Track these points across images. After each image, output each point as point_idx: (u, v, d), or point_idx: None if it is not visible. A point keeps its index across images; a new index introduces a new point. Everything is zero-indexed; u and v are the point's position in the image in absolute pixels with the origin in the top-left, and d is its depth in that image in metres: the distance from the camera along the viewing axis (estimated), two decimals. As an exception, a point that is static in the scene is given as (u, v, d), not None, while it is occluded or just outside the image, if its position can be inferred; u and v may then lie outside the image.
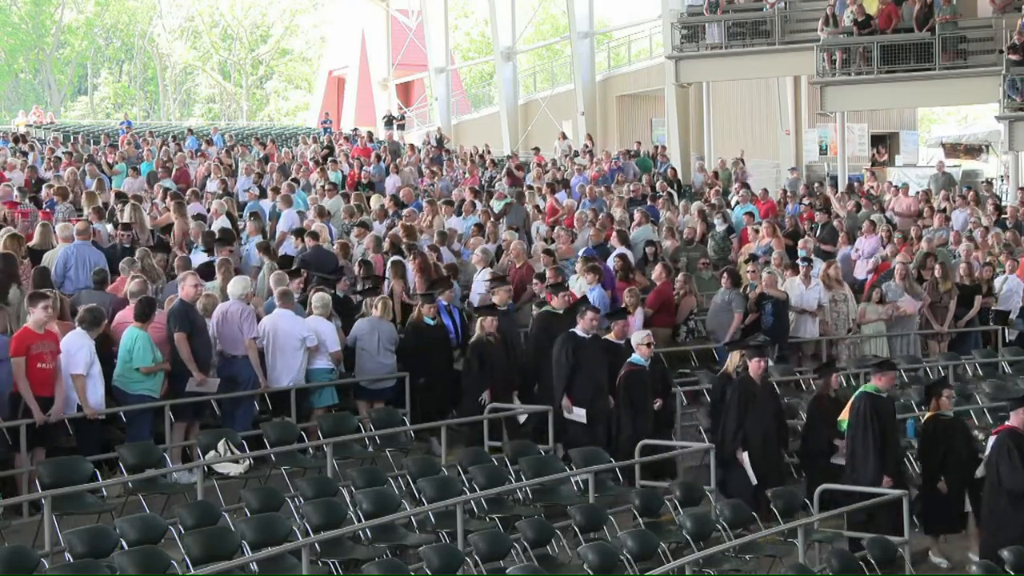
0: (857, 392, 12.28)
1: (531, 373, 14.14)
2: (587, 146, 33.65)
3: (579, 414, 13.05)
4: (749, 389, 12.55)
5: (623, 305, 15.47)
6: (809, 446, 12.99)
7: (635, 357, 13.19)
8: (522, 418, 13.31)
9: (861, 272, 19.10)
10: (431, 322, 14.05)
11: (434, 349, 14.01)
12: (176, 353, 12.13)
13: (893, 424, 12.25)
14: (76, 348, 11.20)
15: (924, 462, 12.40)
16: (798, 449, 13.38)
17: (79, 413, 11.24)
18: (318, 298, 13.58)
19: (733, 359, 13.13)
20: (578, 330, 13.34)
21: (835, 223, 21.20)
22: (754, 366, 12.61)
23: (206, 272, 14.10)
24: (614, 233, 18.22)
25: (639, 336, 13.35)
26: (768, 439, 12.46)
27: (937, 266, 17.97)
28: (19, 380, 10.86)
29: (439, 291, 14.68)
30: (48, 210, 17.97)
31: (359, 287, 15.14)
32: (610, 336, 13.70)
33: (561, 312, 14.10)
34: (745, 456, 12.30)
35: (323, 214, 18.73)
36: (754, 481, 12.20)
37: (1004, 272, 18.52)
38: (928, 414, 12.45)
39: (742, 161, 30.21)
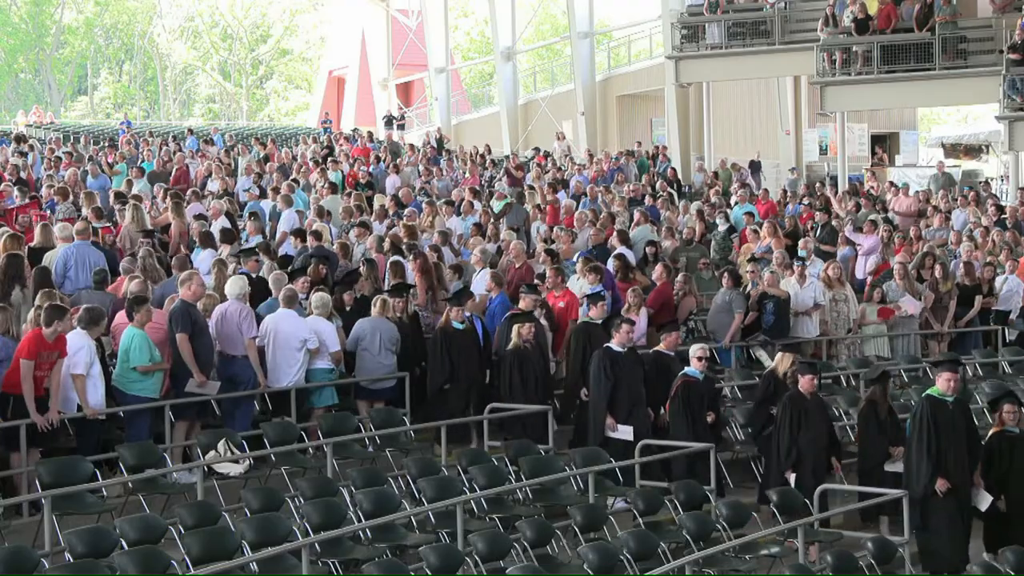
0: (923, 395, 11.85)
1: (574, 384, 13.87)
2: (588, 151, 33.79)
3: (624, 432, 12.67)
4: (800, 406, 12.01)
5: (626, 305, 15.50)
6: (866, 458, 12.50)
7: (690, 369, 12.81)
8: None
9: (860, 271, 19.10)
10: (460, 326, 13.81)
11: (463, 354, 13.76)
12: (177, 353, 12.13)
13: (953, 429, 11.32)
14: (76, 348, 11.19)
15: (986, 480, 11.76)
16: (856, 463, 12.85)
17: (79, 413, 11.24)
18: (318, 298, 13.57)
19: (783, 361, 12.85)
20: (614, 344, 13.03)
21: (834, 223, 21.20)
22: (805, 383, 12.08)
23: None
24: (614, 233, 18.23)
25: (694, 349, 12.96)
26: (820, 458, 12.02)
27: (937, 266, 17.96)
28: (24, 382, 10.84)
29: (465, 297, 14.47)
30: (48, 211, 17.98)
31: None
32: (661, 348, 13.43)
33: (599, 322, 13.88)
34: (792, 478, 11.89)
35: (323, 214, 18.73)
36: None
37: (1004, 272, 18.51)
38: (993, 430, 11.95)
39: (758, 164, 30.31)
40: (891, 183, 27.78)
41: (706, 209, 22.17)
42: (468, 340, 13.90)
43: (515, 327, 13.54)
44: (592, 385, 13.03)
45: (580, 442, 13.29)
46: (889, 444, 12.32)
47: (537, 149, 34.00)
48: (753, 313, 16.14)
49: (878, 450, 12.36)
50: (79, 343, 11.23)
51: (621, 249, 17.47)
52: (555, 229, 19.06)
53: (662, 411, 13.00)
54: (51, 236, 14.66)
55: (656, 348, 13.59)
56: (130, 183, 22.14)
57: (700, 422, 12.66)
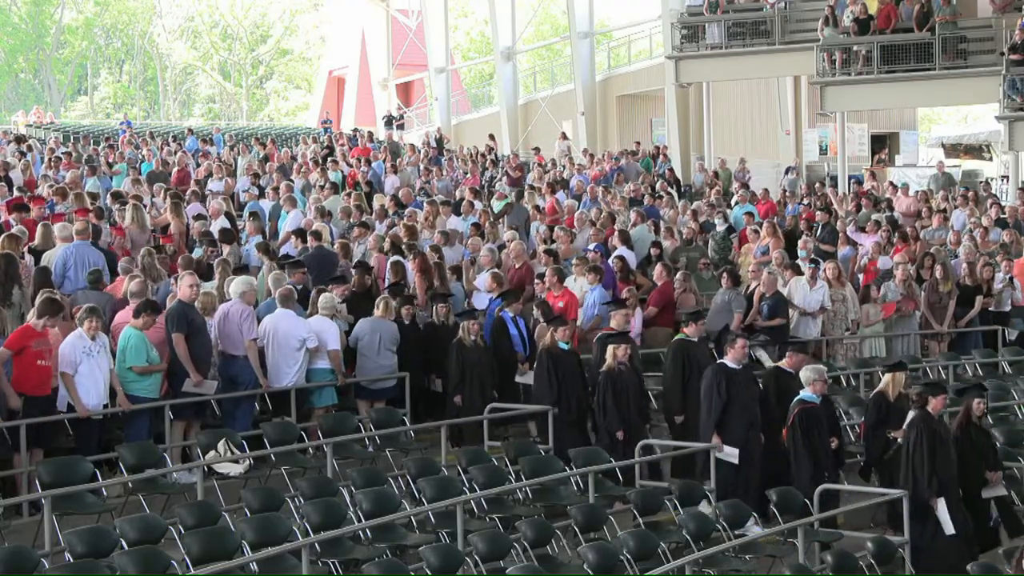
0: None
1: (675, 404, 13.45)
2: (586, 150, 33.81)
3: (731, 453, 12.11)
4: (934, 429, 11.43)
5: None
6: (968, 483, 11.75)
7: (806, 394, 12.06)
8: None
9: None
10: (565, 347, 13.43)
11: (569, 375, 13.33)
12: (175, 353, 12.13)
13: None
14: (67, 347, 11.22)
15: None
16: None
17: (75, 414, 11.24)
18: (324, 298, 13.58)
19: (894, 382, 12.24)
20: (728, 361, 12.46)
21: (837, 224, 21.18)
22: (937, 403, 11.56)
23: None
24: (615, 233, 18.24)
25: (814, 372, 12.18)
26: (955, 482, 11.46)
27: (937, 266, 17.96)
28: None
29: (510, 300, 14.33)
30: (49, 211, 17.96)
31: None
32: (783, 364, 12.92)
33: (696, 340, 13.51)
34: (941, 503, 11.20)
35: (324, 214, 18.74)
36: (950, 530, 11.12)
37: (1000, 272, 18.46)
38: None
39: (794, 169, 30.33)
40: (891, 183, 27.77)
41: (705, 209, 22.18)
42: (573, 362, 13.51)
43: (610, 348, 12.98)
44: (703, 402, 12.43)
45: (683, 467, 12.84)
46: (987, 468, 11.88)
47: (536, 149, 34.02)
48: (755, 312, 16.12)
49: (977, 476, 11.81)
50: (72, 343, 11.25)
51: (622, 250, 17.49)
52: (555, 229, 19.08)
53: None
54: (51, 236, 14.66)
55: (776, 364, 13.02)
56: (138, 182, 22.11)
57: (822, 448, 11.98)
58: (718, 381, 12.22)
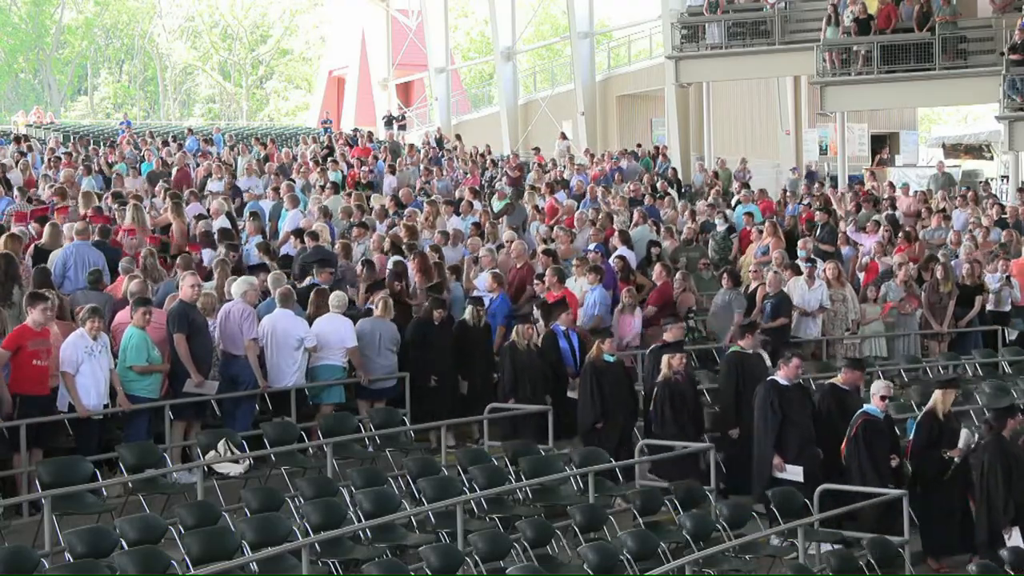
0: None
1: (729, 417, 13.11)
2: (587, 150, 33.82)
3: (794, 472, 11.76)
4: (1009, 451, 11.13)
5: (621, 305, 15.49)
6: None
7: (870, 407, 11.75)
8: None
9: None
10: (611, 359, 13.28)
11: (616, 389, 13.15)
12: (175, 353, 12.14)
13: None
14: (69, 347, 11.22)
15: None
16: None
17: (75, 413, 11.25)
18: (335, 296, 13.60)
19: (944, 399, 11.70)
20: (780, 378, 12.16)
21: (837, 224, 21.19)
22: (1013, 424, 11.30)
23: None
24: (615, 233, 18.23)
25: (878, 386, 11.89)
26: None
27: (938, 267, 17.96)
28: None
29: (559, 312, 14.18)
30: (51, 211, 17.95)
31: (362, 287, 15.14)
32: (836, 381, 12.55)
33: (751, 352, 13.27)
34: (1016, 532, 10.87)
35: (327, 214, 18.75)
36: None
37: (997, 271, 18.44)
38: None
39: (814, 174, 30.29)
40: (889, 183, 27.78)
41: (705, 209, 22.18)
42: (620, 373, 13.36)
43: (665, 358, 12.83)
44: (757, 420, 12.13)
45: (736, 483, 12.57)
46: None
47: (536, 149, 34.04)
48: (757, 311, 16.12)
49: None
50: (74, 342, 11.26)
51: (622, 250, 17.49)
52: (554, 229, 19.09)
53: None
54: (59, 236, 14.67)
55: (831, 381, 12.69)
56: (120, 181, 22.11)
57: (882, 464, 11.59)
58: (771, 399, 11.92)
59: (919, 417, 12.10)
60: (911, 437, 12.08)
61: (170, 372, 12.17)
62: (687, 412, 12.77)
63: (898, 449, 11.87)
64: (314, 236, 16.67)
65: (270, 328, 13.05)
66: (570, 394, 13.94)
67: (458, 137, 36.38)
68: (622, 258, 17.02)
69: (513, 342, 13.67)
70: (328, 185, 22.62)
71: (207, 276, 14.29)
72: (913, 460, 11.83)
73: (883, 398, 11.76)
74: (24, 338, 11.01)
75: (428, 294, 14.82)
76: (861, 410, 11.81)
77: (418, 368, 13.88)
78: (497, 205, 22.27)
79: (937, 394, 11.90)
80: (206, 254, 15.80)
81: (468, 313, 14.33)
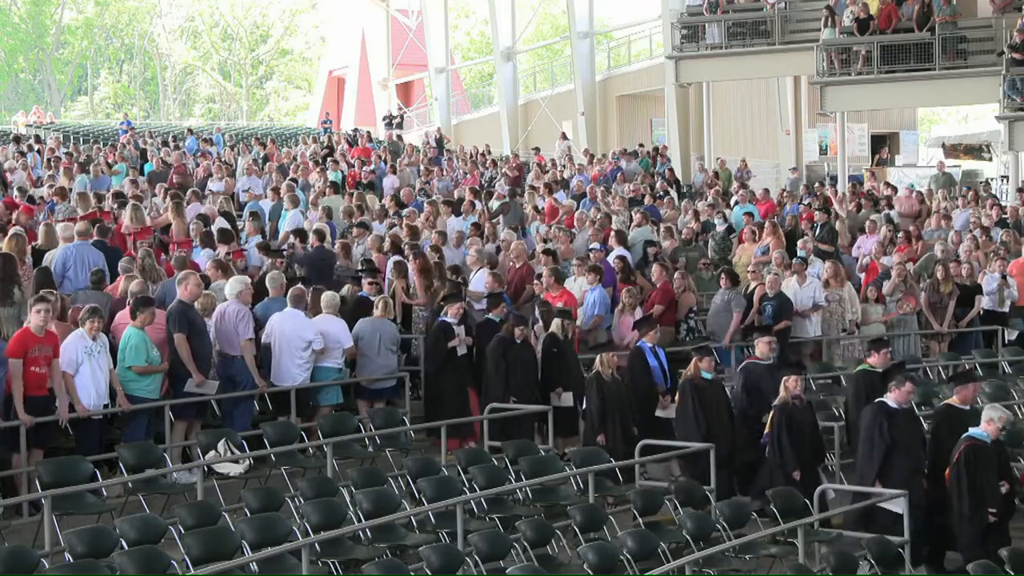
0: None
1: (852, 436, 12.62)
2: (587, 150, 33.83)
3: (896, 503, 11.08)
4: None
5: (621, 305, 15.48)
6: None
7: (976, 431, 11.04)
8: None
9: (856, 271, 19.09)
10: (708, 376, 12.89)
11: (716, 409, 12.78)
12: (175, 353, 12.13)
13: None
14: (68, 347, 11.21)
15: None
16: None
17: (75, 414, 11.24)
18: (328, 296, 13.59)
19: (995, 421, 11.11)
20: (890, 400, 11.49)
21: (837, 225, 21.17)
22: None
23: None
24: (612, 233, 18.24)
25: (994, 412, 11.16)
26: None
27: (939, 267, 17.95)
28: (14, 381, 10.86)
29: (647, 329, 13.73)
30: (49, 211, 17.97)
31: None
32: (953, 401, 11.83)
33: (881, 371, 12.53)
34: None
35: (330, 214, 18.75)
36: None
37: (994, 271, 18.42)
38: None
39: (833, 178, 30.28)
40: (887, 183, 27.78)
41: (705, 210, 22.18)
42: (719, 392, 13.01)
43: (783, 381, 12.17)
44: (861, 444, 11.57)
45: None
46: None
47: (536, 149, 34.04)
48: (756, 313, 16.11)
49: None
50: (74, 343, 11.25)
51: (619, 250, 17.49)
52: (552, 228, 19.09)
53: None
54: (54, 237, 14.65)
55: (947, 402, 12.05)
56: (134, 183, 22.10)
57: (988, 488, 10.93)
58: (879, 422, 11.28)
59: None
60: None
61: (170, 372, 12.16)
62: (805, 438, 12.10)
63: (1009, 473, 11.31)
64: (320, 235, 16.66)
65: (278, 328, 13.05)
66: (659, 413, 13.49)
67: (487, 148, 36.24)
68: (622, 258, 17.01)
69: (598, 372, 12.99)
70: (330, 185, 22.60)
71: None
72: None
73: (991, 421, 11.01)
74: (28, 344, 10.96)
75: (513, 314, 14.36)
76: (966, 434, 11.11)
77: (496, 390, 13.41)
78: (496, 206, 22.27)
79: (989, 414, 11.27)
80: (205, 254, 15.77)
81: (556, 326, 13.95)
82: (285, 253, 16.09)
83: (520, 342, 13.63)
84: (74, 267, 13.90)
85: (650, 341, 13.70)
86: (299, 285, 13.66)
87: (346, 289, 14.87)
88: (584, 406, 13.20)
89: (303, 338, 13.03)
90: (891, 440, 11.24)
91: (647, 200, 22.85)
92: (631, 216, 20.71)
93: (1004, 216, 22.01)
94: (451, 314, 13.84)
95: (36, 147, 29.21)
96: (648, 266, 17.45)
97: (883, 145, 37.56)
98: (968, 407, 11.70)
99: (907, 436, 11.38)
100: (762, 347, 13.28)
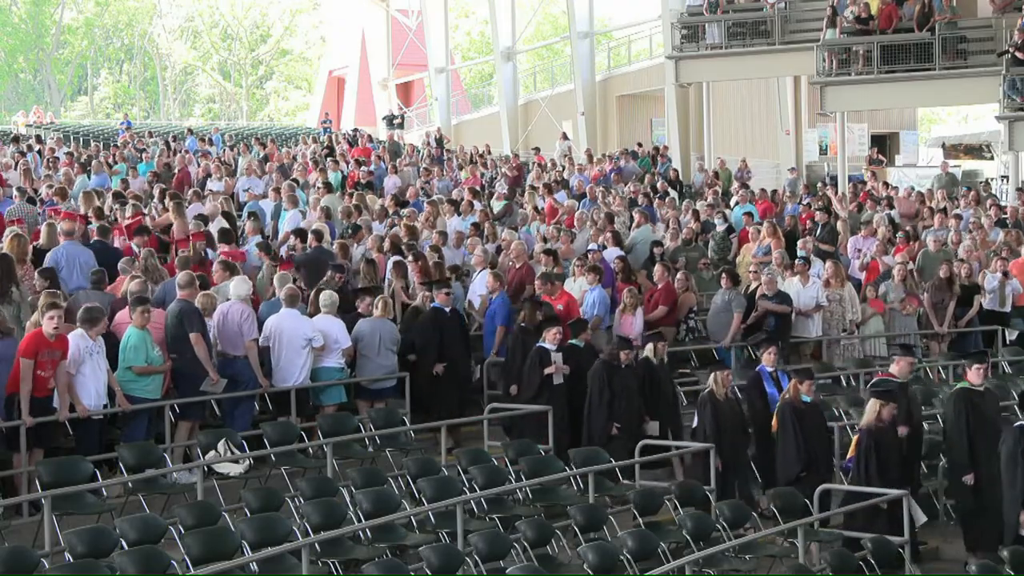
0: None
1: (962, 463, 11.89)
2: (588, 150, 33.85)
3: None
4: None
5: (622, 305, 15.46)
6: None
7: None
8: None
9: (854, 271, 19.08)
10: (808, 400, 12.34)
11: (814, 433, 12.26)
12: (178, 353, 12.12)
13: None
14: (71, 347, 11.19)
15: None
16: None
17: (75, 413, 11.24)
18: (326, 296, 13.59)
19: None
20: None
21: (838, 225, 21.16)
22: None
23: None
24: (609, 234, 18.23)
25: None
26: None
27: (943, 266, 17.94)
28: (23, 381, 10.85)
29: (766, 347, 13.36)
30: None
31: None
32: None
33: (982, 389, 12.02)
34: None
35: (330, 215, 18.75)
36: None
37: (994, 271, 18.40)
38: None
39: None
40: (885, 183, 27.75)
41: (706, 210, 22.17)
42: (819, 417, 12.52)
43: (872, 403, 11.64)
44: (1004, 472, 10.93)
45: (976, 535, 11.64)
46: None
47: (536, 149, 34.04)
48: (756, 313, 16.10)
49: None
50: (74, 343, 11.23)
51: (613, 250, 17.49)
52: (550, 228, 19.09)
53: None
54: (56, 237, 14.65)
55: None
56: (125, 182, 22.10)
57: None
58: (1021, 447, 10.72)
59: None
60: None
61: (175, 372, 12.16)
62: (894, 463, 11.54)
63: None
64: (319, 235, 16.66)
65: (277, 328, 13.05)
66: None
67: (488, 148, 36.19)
68: (623, 258, 17.01)
69: (712, 391, 12.54)
70: (323, 184, 22.56)
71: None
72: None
73: None
74: (40, 347, 10.94)
75: (619, 337, 13.94)
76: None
77: (599, 420, 12.93)
78: (496, 206, 22.26)
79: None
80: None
81: (649, 351, 13.53)
82: (284, 255, 16.08)
83: (625, 367, 13.09)
84: (66, 267, 13.85)
85: (770, 366, 13.26)
86: (292, 284, 13.66)
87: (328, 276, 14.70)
88: (696, 423, 12.75)
89: (303, 337, 13.04)
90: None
91: (641, 201, 22.83)
92: (631, 216, 20.71)
93: (1004, 216, 22.00)
94: (548, 340, 13.40)
95: (36, 147, 29.27)
96: (655, 266, 17.43)
97: (883, 146, 37.52)
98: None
99: None
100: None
